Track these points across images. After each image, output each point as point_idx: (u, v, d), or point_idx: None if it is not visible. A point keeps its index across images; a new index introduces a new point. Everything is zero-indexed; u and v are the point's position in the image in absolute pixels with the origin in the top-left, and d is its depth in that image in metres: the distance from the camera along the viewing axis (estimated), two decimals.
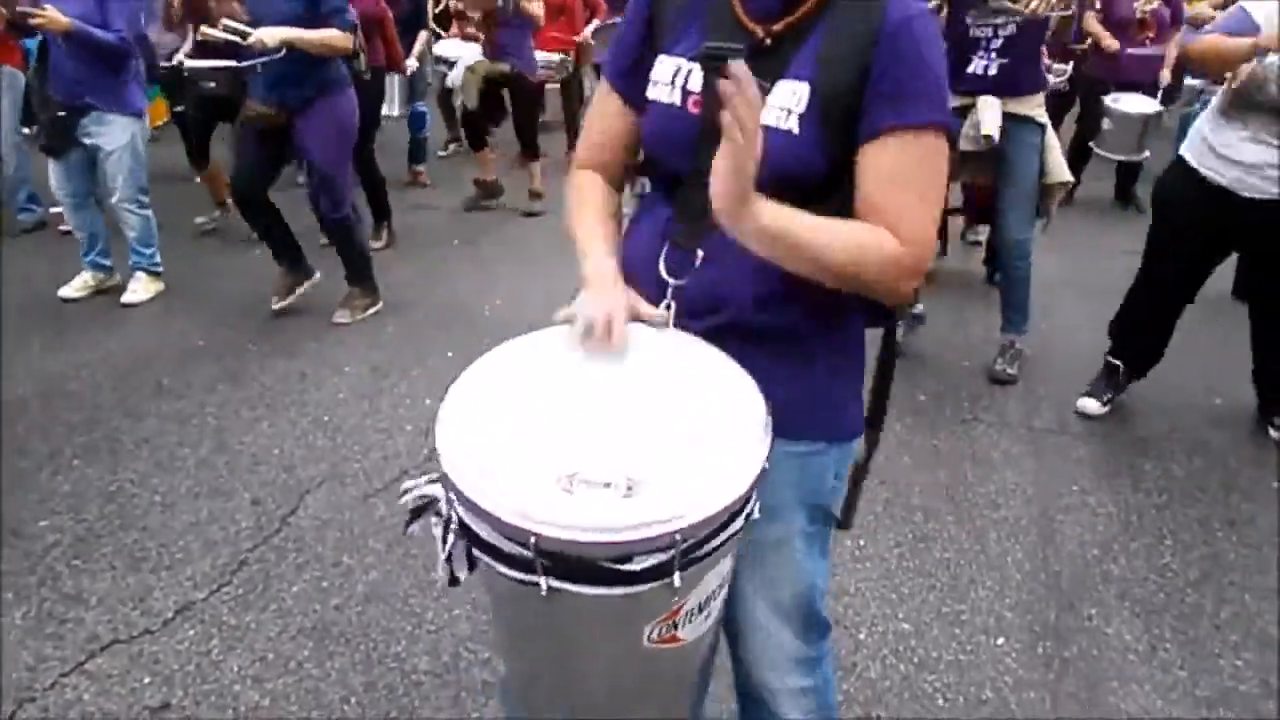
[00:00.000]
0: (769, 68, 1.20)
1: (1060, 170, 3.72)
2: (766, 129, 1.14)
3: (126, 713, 2.16)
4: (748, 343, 1.24)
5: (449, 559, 1.10)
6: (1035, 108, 3.66)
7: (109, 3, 4.33)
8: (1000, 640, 2.38)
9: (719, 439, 1.09)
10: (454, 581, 1.12)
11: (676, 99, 1.29)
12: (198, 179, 6.00)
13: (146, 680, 2.25)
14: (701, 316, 1.27)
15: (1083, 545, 2.77)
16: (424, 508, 1.15)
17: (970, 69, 3.63)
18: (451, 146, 7.87)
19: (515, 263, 5.30)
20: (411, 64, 6.41)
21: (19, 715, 2.15)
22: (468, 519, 1.04)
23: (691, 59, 1.29)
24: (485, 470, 1.03)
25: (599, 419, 1.12)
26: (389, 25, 5.65)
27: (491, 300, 4.74)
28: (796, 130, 1.20)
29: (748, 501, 1.07)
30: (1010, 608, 2.50)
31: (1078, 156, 6.63)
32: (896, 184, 1.19)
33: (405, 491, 1.17)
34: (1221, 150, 3.08)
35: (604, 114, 1.44)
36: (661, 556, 0.98)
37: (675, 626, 1.11)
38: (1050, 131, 3.73)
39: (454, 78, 5.93)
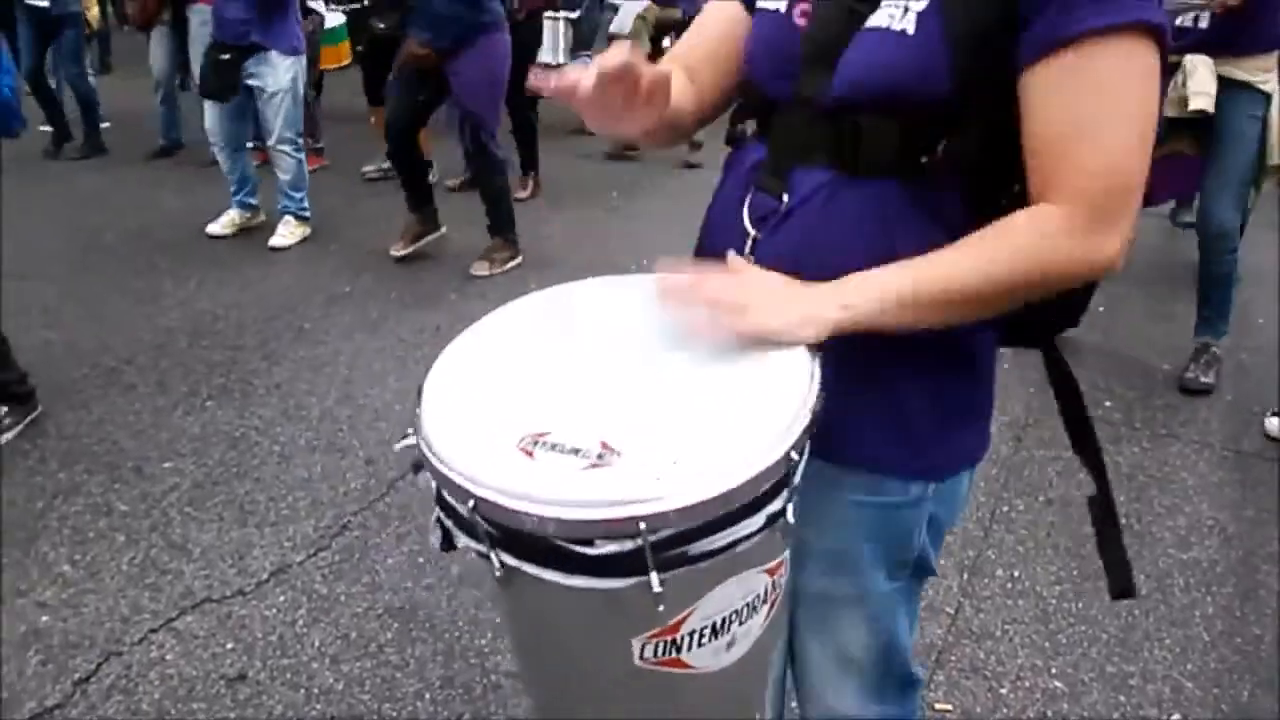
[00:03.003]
0: None
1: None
2: (876, 32, 0.94)
3: (204, 679, 2.09)
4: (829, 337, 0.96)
5: (440, 519, 0.93)
6: (1260, 71, 3.04)
7: None
8: (1175, 717, 1.98)
9: (734, 414, 0.87)
10: (448, 545, 0.93)
11: (783, 5, 1.04)
12: (371, 119, 6.02)
13: (229, 646, 2.18)
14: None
15: None
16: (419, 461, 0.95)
17: (1177, 21, 3.04)
18: None
19: (669, 219, 4.99)
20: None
21: (103, 669, 2.11)
22: (428, 467, 0.88)
23: None
24: (450, 418, 0.89)
25: (598, 381, 0.94)
26: None
27: (639, 259, 4.51)
28: (912, 30, 0.91)
29: (769, 498, 0.84)
30: (1192, 676, 2.09)
31: None
32: (1064, 117, 0.88)
33: (400, 442, 1.00)
34: None
35: (715, 14, 1.17)
36: (628, 544, 0.79)
37: (677, 648, 0.89)
38: (1278, 101, 3.10)
39: (620, 24, 5.68)
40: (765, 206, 1.03)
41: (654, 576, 0.80)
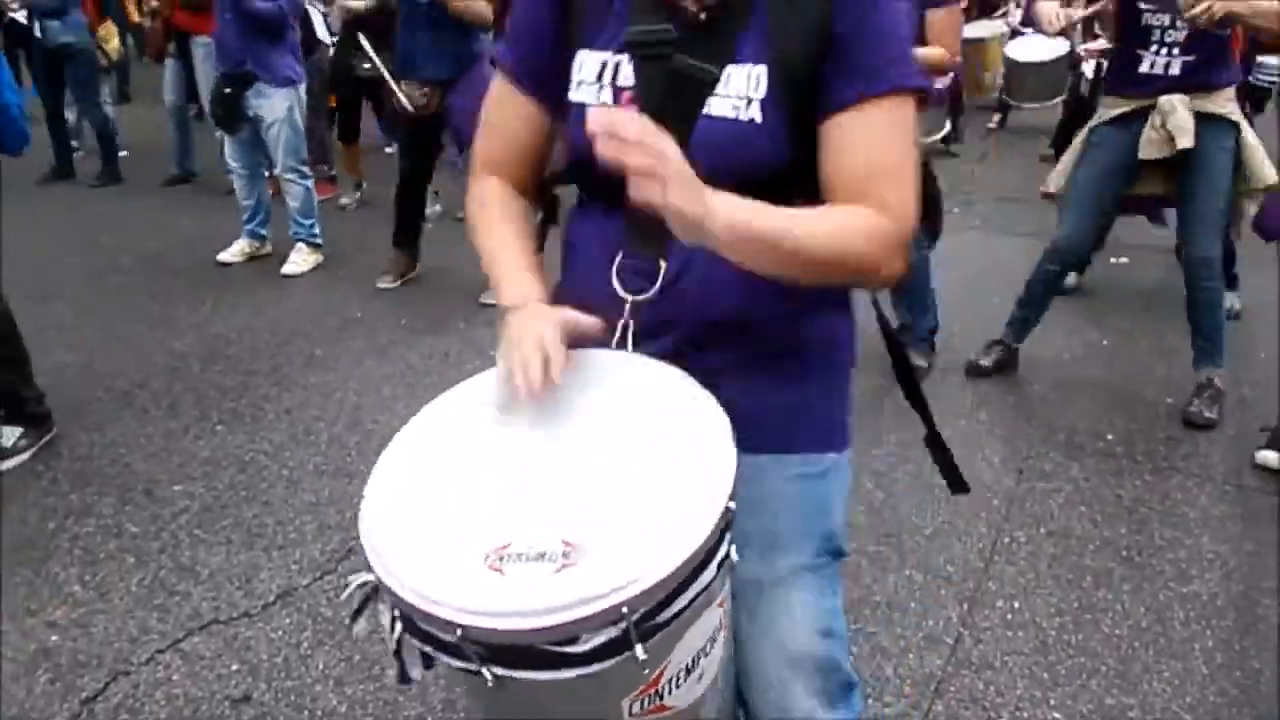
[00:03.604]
0: (712, 50, 1.09)
1: (1265, 173, 3.16)
2: (726, 122, 1.09)
3: (209, 700, 2.12)
4: (729, 353, 1.15)
5: (398, 652, 0.95)
6: (1227, 102, 3.15)
7: None
8: None
9: (673, 486, 0.93)
10: (405, 679, 0.95)
11: (608, 97, 1.15)
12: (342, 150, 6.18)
13: (234, 667, 2.21)
14: (671, 332, 1.14)
15: None
16: (369, 596, 0.99)
17: (1144, 67, 3.13)
18: None
19: None
20: None
21: (111, 688, 2.14)
22: (400, 605, 0.89)
23: (619, 50, 1.14)
24: (408, 552, 0.90)
25: (537, 478, 0.98)
26: None
27: None
28: (760, 119, 1.08)
29: (716, 547, 0.92)
30: (1190, 709, 2.09)
31: None
32: (874, 156, 1.08)
33: (347, 586, 1.02)
34: None
35: (510, 116, 1.26)
36: (613, 632, 0.84)
37: (660, 696, 0.96)
38: (1247, 128, 3.18)
39: None
40: (642, 271, 1.13)
41: (639, 648, 0.86)
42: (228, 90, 4.56)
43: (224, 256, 4.96)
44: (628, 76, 1.13)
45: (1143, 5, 3.10)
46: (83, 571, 2.54)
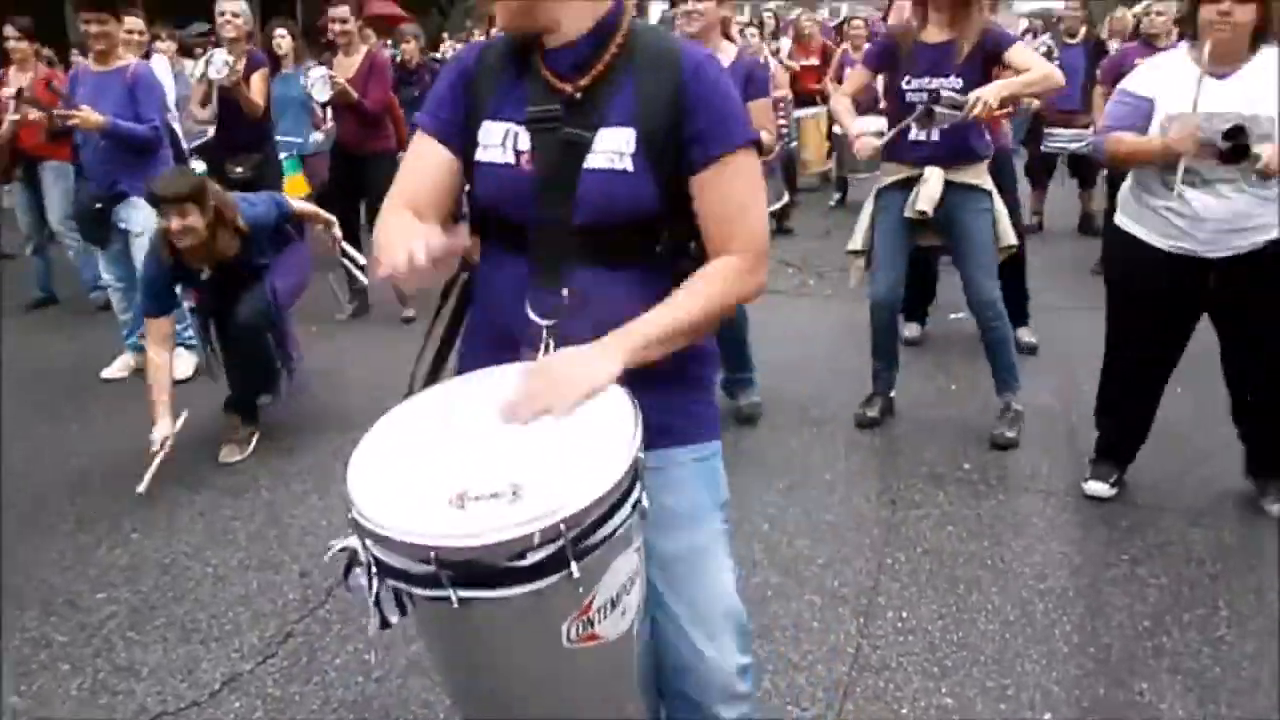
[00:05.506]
0: (586, 118, 1.40)
1: (1006, 235, 3.77)
2: (603, 172, 1.38)
3: None
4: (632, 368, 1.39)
5: (378, 602, 1.20)
6: (981, 176, 3.73)
7: (140, 95, 4.56)
8: (1047, 715, 2.33)
9: (593, 442, 1.21)
10: (385, 624, 1.19)
11: (510, 158, 1.44)
12: None
13: None
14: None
15: (1133, 617, 2.70)
16: (350, 561, 1.24)
17: (912, 135, 3.67)
18: None
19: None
20: None
21: None
22: (377, 552, 1.14)
23: (519, 123, 1.44)
24: (387, 503, 1.14)
25: (486, 444, 1.25)
26: (395, 108, 6.02)
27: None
28: (631, 168, 1.38)
29: (630, 490, 1.19)
30: (1057, 682, 2.44)
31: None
32: (730, 201, 1.42)
33: (329, 550, 1.29)
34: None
35: (431, 164, 1.50)
36: (553, 547, 1.08)
37: (591, 624, 1.19)
38: (998, 197, 3.77)
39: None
40: (548, 300, 1.42)
41: (574, 565, 1.10)
42: (98, 205, 4.59)
43: (108, 373, 4.90)
44: (525, 143, 1.43)
45: (905, 86, 3.66)
46: (17, 684, 2.56)
